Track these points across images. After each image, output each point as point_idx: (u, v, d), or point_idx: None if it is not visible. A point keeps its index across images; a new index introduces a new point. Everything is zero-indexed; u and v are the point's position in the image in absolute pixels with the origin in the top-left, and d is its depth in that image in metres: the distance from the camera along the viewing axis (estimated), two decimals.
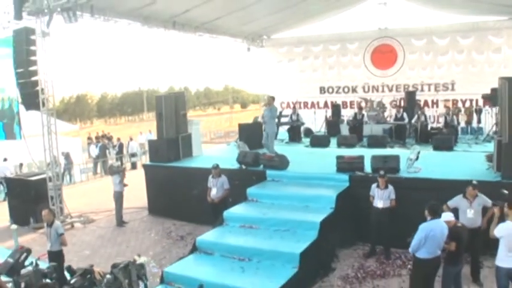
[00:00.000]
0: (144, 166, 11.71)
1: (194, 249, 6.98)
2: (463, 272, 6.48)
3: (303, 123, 14.75)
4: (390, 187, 7.49)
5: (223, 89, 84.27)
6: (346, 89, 17.23)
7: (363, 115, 14.07)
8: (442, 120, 13.50)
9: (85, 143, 22.26)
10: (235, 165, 9.91)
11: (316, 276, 6.70)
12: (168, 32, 13.79)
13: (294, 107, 15.56)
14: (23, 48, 9.69)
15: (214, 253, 6.77)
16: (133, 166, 18.61)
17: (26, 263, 4.01)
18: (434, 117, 15.37)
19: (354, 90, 17.00)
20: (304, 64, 17.89)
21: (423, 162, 8.92)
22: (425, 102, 15.79)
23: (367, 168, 8.65)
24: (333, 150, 11.26)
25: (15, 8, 9.54)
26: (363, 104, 15.02)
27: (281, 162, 9.30)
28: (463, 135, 13.77)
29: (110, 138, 21.82)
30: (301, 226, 7.04)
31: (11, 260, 4.07)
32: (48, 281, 3.55)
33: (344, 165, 8.68)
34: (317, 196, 7.94)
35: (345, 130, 14.35)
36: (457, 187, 6.85)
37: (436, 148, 11.26)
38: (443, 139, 11.47)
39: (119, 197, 10.25)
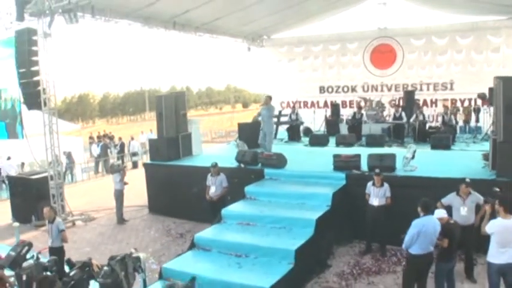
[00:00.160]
0: (145, 165, 11.86)
1: (192, 245, 7.10)
2: (457, 269, 6.60)
3: (302, 123, 14.86)
4: (386, 185, 7.60)
5: (225, 89, 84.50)
6: (345, 89, 17.34)
7: (361, 114, 14.17)
8: (440, 119, 13.59)
9: (87, 142, 22.43)
10: (234, 164, 10.04)
11: (312, 272, 6.82)
12: (168, 33, 13.93)
13: (294, 107, 15.67)
14: (25, 48, 9.84)
15: (212, 249, 6.89)
16: (135, 165, 18.77)
17: (27, 256, 4.16)
18: (433, 116, 15.46)
19: (354, 89, 17.11)
20: (304, 64, 18.01)
21: (420, 161, 9.01)
22: (424, 102, 15.88)
23: (364, 166, 8.76)
24: (332, 149, 11.34)
25: (17, 9, 9.70)
26: (362, 104, 15.12)
27: (279, 161, 9.42)
28: (462, 135, 13.85)
29: (111, 138, 21.97)
30: (298, 223, 7.16)
31: (13, 253, 4.22)
32: (48, 273, 3.68)
33: (341, 163, 8.79)
34: (314, 194, 8.05)
35: (344, 129, 14.44)
36: (452, 185, 6.93)
37: (433, 147, 11.34)
38: (441, 138, 11.56)
39: (119, 195, 10.40)
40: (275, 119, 14.86)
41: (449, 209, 6.48)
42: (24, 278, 3.76)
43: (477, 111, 13.90)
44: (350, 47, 17.11)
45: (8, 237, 9.27)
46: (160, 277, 6.36)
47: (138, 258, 3.66)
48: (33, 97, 10.17)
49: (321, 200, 7.79)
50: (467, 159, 9.79)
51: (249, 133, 12.59)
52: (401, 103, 15.14)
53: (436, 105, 15.74)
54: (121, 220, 10.48)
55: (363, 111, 14.44)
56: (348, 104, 17.08)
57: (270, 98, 10.77)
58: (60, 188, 10.66)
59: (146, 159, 16.79)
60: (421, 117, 13.05)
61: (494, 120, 8.69)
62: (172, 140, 11.29)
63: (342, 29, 17.20)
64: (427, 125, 13.71)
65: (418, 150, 9.46)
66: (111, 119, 74.47)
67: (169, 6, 12.23)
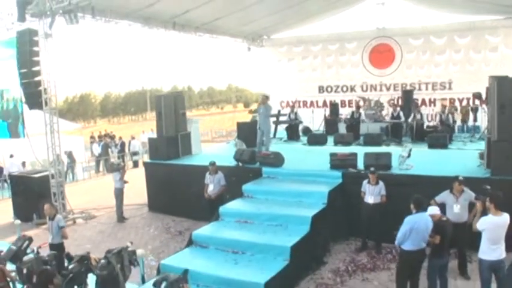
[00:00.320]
0: (144, 164, 12.01)
1: (190, 242, 7.24)
2: (451, 266, 6.72)
3: (301, 122, 14.97)
4: (381, 183, 7.71)
5: (226, 88, 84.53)
6: (344, 88, 17.43)
7: (359, 114, 14.28)
8: (438, 118, 13.68)
9: (88, 141, 22.59)
10: (232, 163, 10.16)
11: (307, 269, 6.93)
12: (168, 33, 14.05)
13: (293, 106, 15.78)
14: (26, 49, 9.96)
15: (209, 246, 7.03)
16: (135, 164, 18.92)
17: (28, 250, 4.30)
18: (431, 116, 15.55)
19: (352, 89, 17.21)
20: (304, 63, 18.11)
21: (417, 160, 9.11)
22: (423, 101, 15.96)
23: (360, 165, 8.86)
24: (330, 149, 11.44)
25: (18, 10, 9.83)
26: (361, 103, 15.23)
27: (276, 160, 9.55)
28: (460, 134, 13.95)
29: (112, 137, 22.11)
30: (294, 221, 7.28)
31: (14, 247, 4.37)
32: (48, 267, 3.81)
33: (337, 162, 8.91)
34: (310, 192, 8.18)
35: (343, 129, 14.54)
36: (446, 183, 7.02)
37: (430, 146, 11.44)
38: (438, 137, 11.65)
39: (119, 194, 10.54)
40: (274, 118, 15.03)
41: (442, 206, 6.58)
42: (24, 271, 3.90)
43: (475, 110, 13.98)
44: (349, 47, 17.20)
45: (10, 235, 9.37)
46: (158, 273, 6.48)
47: (134, 252, 3.80)
48: (34, 97, 10.30)
49: (317, 198, 7.91)
50: (463, 158, 9.88)
51: (247, 132, 12.71)
52: (400, 102, 15.26)
53: (434, 105, 15.81)
54: (121, 218, 10.62)
55: (361, 111, 14.55)
56: (346, 103, 17.17)
57: (266, 97, 10.95)
58: (61, 186, 10.80)
59: (147, 158, 16.91)
60: (418, 117, 13.14)
61: (489, 119, 8.78)
62: (172, 139, 11.42)
63: (341, 29, 17.29)
64: (425, 124, 13.78)
65: (415, 149, 9.57)
66: (112, 119, 74.65)
67: (169, 6, 12.34)
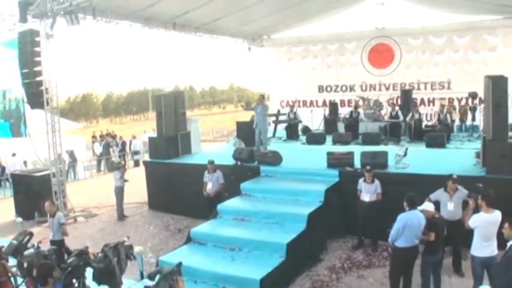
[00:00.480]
0: (145, 162, 12.14)
1: (188, 240, 7.36)
2: (446, 263, 6.82)
3: (300, 121, 15.07)
4: (376, 181, 7.81)
5: (228, 88, 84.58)
6: (344, 88, 17.54)
7: (358, 113, 14.37)
8: (436, 118, 13.76)
9: (90, 141, 22.76)
10: (231, 162, 10.27)
11: (304, 266, 7.03)
12: (168, 33, 14.16)
13: (292, 106, 15.89)
14: (28, 49, 10.10)
15: (207, 243, 7.15)
16: (136, 163, 19.04)
17: (28, 245, 4.45)
18: (430, 115, 15.63)
19: (352, 89, 17.32)
20: (303, 63, 18.24)
21: (414, 159, 9.20)
22: (422, 101, 16.06)
23: (357, 164, 8.96)
24: (328, 148, 11.53)
25: (20, 11, 9.98)
26: (361, 103, 15.31)
27: (274, 159, 9.66)
28: (458, 133, 14.04)
29: (113, 137, 22.25)
30: (290, 218, 7.40)
31: (15, 242, 4.52)
32: (47, 261, 3.93)
33: (334, 161, 9.01)
34: (307, 191, 8.29)
35: (342, 128, 14.62)
36: (441, 181, 7.08)
37: (428, 145, 11.51)
38: (436, 136, 11.73)
39: (119, 192, 10.67)
40: (274, 118, 15.16)
41: (437, 204, 6.66)
42: (25, 265, 4.04)
43: (473, 110, 14.05)
44: (348, 47, 17.31)
45: (12, 233, 9.47)
46: None
47: (130, 246, 3.92)
48: (36, 97, 10.45)
49: (314, 196, 8.02)
50: (460, 157, 9.96)
51: (247, 132, 12.80)
52: (399, 102, 15.34)
53: (433, 104, 15.90)
54: (121, 216, 10.75)
55: (360, 110, 14.64)
56: (346, 103, 17.27)
57: (263, 97, 11.18)
58: (62, 185, 10.93)
59: (148, 157, 17.03)
60: (417, 116, 13.22)
61: (485, 119, 8.87)
62: (172, 138, 11.54)
63: (341, 29, 17.41)
64: (423, 124, 13.87)
65: (413, 149, 9.65)
66: (114, 119, 74.82)
67: (170, 7, 12.45)
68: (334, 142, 12.51)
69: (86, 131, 26.99)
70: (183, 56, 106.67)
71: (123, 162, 13.44)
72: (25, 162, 15.72)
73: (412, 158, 9.22)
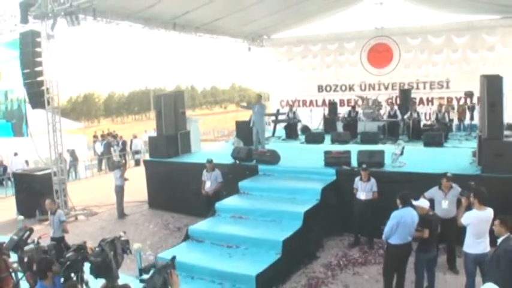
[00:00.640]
0: (145, 162, 12.25)
1: (187, 237, 7.48)
2: (440, 261, 6.91)
3: (299, 121, 15.17)
4: (372, 180, 7.90)
5: (229, 88, 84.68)
6: (343, 87, 17.63)
7: (356, 112, 14.46)
8: (434, 117, 13.84)
9: (91, 141, 22.90)
10: (230, 161, 10.37)
11: (300, 263, 7.13)
12: (168, 33, 14.27)
13: (292, 105, 15.99)
14: (29, 50, 10.23)
15: (205, 241, 7.27)
16: (137, 163, 19.16)
17: (28, 241, 4.58)
18: (429, 114, 15.70)
19: (351, 88, 17.40)
20: (303, 63, 18.33)
21: (412, 158, 9.28)
22: (421, 100, 16.13)
23: (354, 163, 9.05)
24: (327, 147, 11.62)
25: (21, 12, 10.10)
26: (360, 102, 15.40)
27: (272, 157, 9.76)
28: (457, 132, 14.11)
29: (115, 136, 22.39)
30: (287, 216, 7.51)
31: (15, 238, 4.67)
32: (47, 256, 4.05)
33: (331, 159, 9.11)
34: (304, 189, 8.39)
35: (341, 127, 14.71)
36: (437, 180, 7.18)
37: (426, 144, 11.59)
38: (434, 135, 11.81)
39: (119, 191, 10.79)
40: (273, 117, 15.26)
41: (431, 202, 6.73)
42: (25, 260, 4.17)
43: (471, 109, 14.11)
44: (348, 47, 17.39)
45: (14, 231, 9.62)
46: None
47: (126, 241, 4.01)
48: (37, 96, 10.57)
49: (311, 195, 8.12)
50: (457, 156, 10.03)
51: (246, 131, 12.88)
52: (397, 101, 15.41)
53: (432, 104, 15.96)
54: (122, 215, 10.87)
55: (359, 110, 14.72)
56: (345, 102, 17.35)
57: (260, 96, 11.32)
58: (63, 183, 11.06)
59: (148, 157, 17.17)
60: (415, 115, 13.30)
61: (480, 118, 8.94)
62: (171, 137, 11.65)
63: (340, 29, 17.49)
64: (422, 123, 13.94)
65: (411, 148, 9.73)
66: (116, 118, 75.06)
67: (170, 7, 12.54)
68: (333, 141, 12.59)
69: (88, 131, 27.15)
70: (184, 55, 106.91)
71: (123, 161, 13.56)
72: (27, 162, 15.87)
73: (410, 157, 9.30)
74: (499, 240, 4.86)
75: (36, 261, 3.85)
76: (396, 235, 5.75)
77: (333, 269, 7.12)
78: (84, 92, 72.70)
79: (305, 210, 7.41)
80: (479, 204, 5.56)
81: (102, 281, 3.80)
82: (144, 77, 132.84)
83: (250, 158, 10.06)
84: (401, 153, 9.06)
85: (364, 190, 7.86)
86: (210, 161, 9.21)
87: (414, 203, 5.94)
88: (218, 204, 8.28)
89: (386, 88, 16.72)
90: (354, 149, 9.75)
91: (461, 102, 15.34)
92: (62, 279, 3.91)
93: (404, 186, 7.50)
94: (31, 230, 4.85)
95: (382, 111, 15.03)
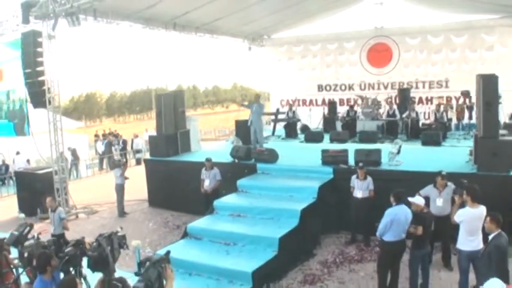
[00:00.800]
0: (145, 160, 12.37)
1: (185, 234, 7.58)
2: (435, 258, 7.00)
3: (299, 120, 15.25)
4: (369, 178, 7.99)
5: (231, 87, 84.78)
6: (343, 87, 17.71)
7: (355, 112, 14.54)
8: (432, 116, 13.90)
9: (92, 140, 23.06)
10: (229, 159, 10.47)
11: (296, 260, 7.23)
12: (169, 33, 14.36)
13: (291, 104, 16.08)
14: (31, 50, 10.35)
15: (203, 238, 7.37)
16: (138, 162, 19.25)
17: (29, 236, 4.70)
18: (428, 113, 15.76)
19: (351, 87, 17.48)
20: (303, 63, 18.41)
21: (409, 157, 9.37)
22: (420, 99, 16.19)
23: (352, 161, 9.13)
24: (325, 146, 11.69)
25: (23, 13, 10.23)
26: (359, 102, 15.47)
27: (271, 156, 9.85)
28: (455, 131, 14.17)
29: (116, 136, 22.53)
30: (284, 214, 7.60)
31: (16, 233, 4.79)
32: (46, 251, 4.15)
33: (328, 158, 9.20)
34: (301, 187, 8.47)
35: (340, 126, 14.80)
36: (432, 178, 7.27)
37: (424, 143, 11.66)
38: (432, 135, 11.87)
39: (120, 189, 10.91)
40: (273, 117, 15.35)
41: (427, 200, 6.82)
42: (25, 255, 4.28)
43: (470, 108, 14.16)
44: (347, 46, 17.47)
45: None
46: None
47: (123, 236, 4.12)
48: (38, 96, 10.70)
49: (308, 193, 8.21)
50: (454, 155, 10.09)
51: (246, 130, 12.97)
52: (396, 101, 15.48)
53: (431, 103, 16.03)
54: (122, 213, 10.99)
55: (358, 109, 14.80)
56: (345, 101, 17.42)
57: (259, 96, 11.42)
58: (64, 182, 11.18)
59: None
60: (413, 114, 13.36)
61: (477, 117, 9.02)
62: (171, 136, 11.75)
63: (340, 29, 17.59)
64: (421, 122, 14.00)
65: (409, 147, 9.79)
66: (118, 118, 75.27)
67: (170, 7, 12.64)
68: (332, 140, 12.67)
69: (89, 130, 27.31)
70: (186, 55, 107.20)
71: (123, 160, 13.68)
72: (28, 161, 16.02)
73: (407, 156, 9.39)
74: (490, 237, 4.96)
75: (36, 256, 3.95)
76: (390, 232, 5.84)
77: (329, 266, 7.22)
78: (86, 91, 72.93)
79: (302, 208, 7.50)
80: (472, 201, 5.62)
81: (99, 275, 3.90)
82: (146, 76, 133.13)
83: (249, 157, 10.15)
84: (398, 152, 9.15)
85: (360, 188, 7.95)
86: (208, 160, 9.32)
87: (409, 199, 6.04)
88: (216, 202, 8.39)
89: (385, 87, 16.79)
90: (352, 147, 9.82)
91: (460, 101, 15.40)
92: (61, 274, 4.02)
93: (401, 185, 7.55)
94: (31, 226, 4.97)
95: (381, 111, 15.09)
